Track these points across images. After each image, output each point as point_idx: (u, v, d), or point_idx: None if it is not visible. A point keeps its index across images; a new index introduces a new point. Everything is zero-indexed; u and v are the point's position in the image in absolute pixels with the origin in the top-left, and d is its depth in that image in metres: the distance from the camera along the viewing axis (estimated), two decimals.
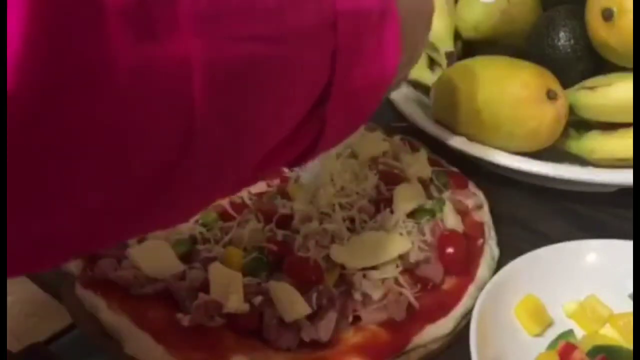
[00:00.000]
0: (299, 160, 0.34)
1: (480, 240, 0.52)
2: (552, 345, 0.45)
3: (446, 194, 0.55)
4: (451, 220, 0.52)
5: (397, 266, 0.48)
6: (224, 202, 0.51)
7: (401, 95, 0.70)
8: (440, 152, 0.62)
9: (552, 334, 0.46)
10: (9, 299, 0.47)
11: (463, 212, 0.54)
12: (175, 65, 0.21)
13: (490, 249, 0.52)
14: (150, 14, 0.20)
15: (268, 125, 0.28)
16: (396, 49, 0.34)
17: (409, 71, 0.45)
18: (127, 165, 0.22)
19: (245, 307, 0.43)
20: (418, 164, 0.57)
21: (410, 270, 0.48)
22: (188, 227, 0.49)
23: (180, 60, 0.21)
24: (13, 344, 0.44)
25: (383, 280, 0.47)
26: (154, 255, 0.46)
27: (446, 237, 0.50)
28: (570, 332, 0.45)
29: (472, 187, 0.58)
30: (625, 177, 0.56)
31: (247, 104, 0.26)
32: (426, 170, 0.57)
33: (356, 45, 0.31)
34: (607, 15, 0.54)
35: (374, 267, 0.48)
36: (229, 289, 0.44)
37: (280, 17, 0.26)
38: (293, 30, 0.27)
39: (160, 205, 0.25)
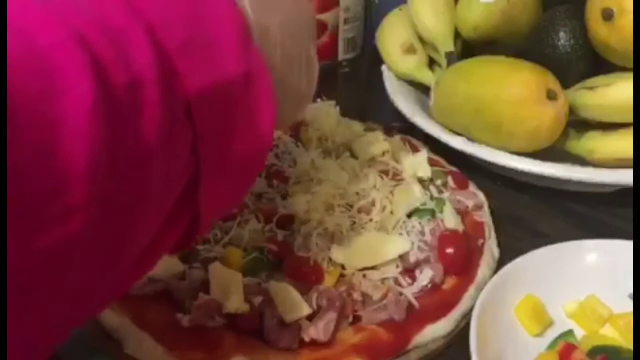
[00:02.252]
0: (181, 244, 0.31)
1: (480, 240, 0.52)
2: (552, 345, 0.45)
3: (446, 194, 0.55)
4: (451, 220, 0.52)
5: (397, 266, 0.48)
6: None
7: (401, 95, 0.70)
8: (440, 152, 0.62)
9: (552, 334, 0.46)
10: None
11: (463, 212, 0.55)
12: None
13: (490, 249, 0.52)
14: None
15: (115, 258, 0.25)
16: (270, 108, 0.31)
17: (300, 115, 0.41)
18: None
19: (245, 307, 0.43)
20: (418, 164, 0.57)
21: (410, 270, 0.48)
22: None
23: None
24: None
25: (383, 280, 0.47)
26: None
27: (446, 237, 0.50)
28: (570, 332, 0.45)
29: (472, 187, 0.58)
30: (625, 177, 0.56)
31: (72, 276, 0.23)
32: (426, 170, 0.57)
33: (220, 121, 0.28)
34: (607, 15, 0.54)
35: (374, 267, 0.48)
36: (229, 289, 0.44)
37: (108, 165, 0.22)
38: (129, 162, 0.23)
39: None
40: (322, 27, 0.85)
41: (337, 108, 0.64)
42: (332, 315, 0.44)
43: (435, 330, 0.45)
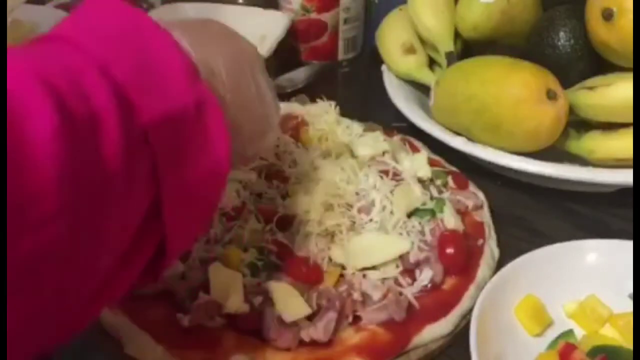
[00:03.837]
0: (151, 274, 0.33)
1: (480, 240, 0.52)
2: (552, 345, 0.45)
3: (446, 194, 0.55)
4: (451, 220, 0.52)
5: (397, 266, 0.48)
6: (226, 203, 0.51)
7: (401, 95, 0.70)
8: (440, 152, 0.62)
9: (552, 334, 0.46)
10: None
11: (463, 212, 0.55)
12: None
13: (490, 249, 0.52)
14: None
15: (74, 284, 0.27)
16: (223, 134, 0.33)
17: (269, 142, 0.44)
18: None
19: (245, 307, 0.43)
20: (418, 164, 0.57)
21: (410, 270, 0.48)
22: None
23: None
24: None
25: (383, 280, 0.47)
26: None
27: (446, 237, 0.50)
28: (570, 332, 0.45)
29: (472, 187, 0.58)
30: (625, 177, 0.56)
31: (47, 283, 0.26)
32: (426, 170, 0.57)
33: (176, 148, 0.31)
34: (607, 15, 0.54)
35: (374, 267, 0.48)
36: (229, 289, 0.44)
37: (75, 178, 0.25)
38: (94, 179, 0.26)
39: None
40: (322, 27, 0.85)
41: (337, 108, 0.64)
42: (332, 315, 0.44)
43: (435, 330, 0.45)
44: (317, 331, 0.43)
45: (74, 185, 0.25)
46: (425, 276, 0.48)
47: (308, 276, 0.46)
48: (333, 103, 0.64)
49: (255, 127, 0.40)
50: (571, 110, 0.58)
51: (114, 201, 0.28)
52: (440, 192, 0.56)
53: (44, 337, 0.28)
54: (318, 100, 0.65)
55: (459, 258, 0.49)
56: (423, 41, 0.72)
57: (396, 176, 0.55)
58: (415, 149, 0.62)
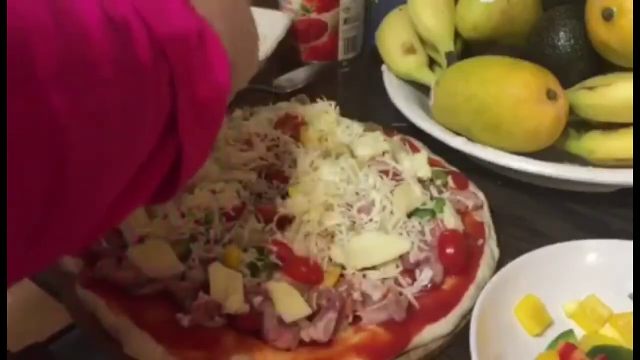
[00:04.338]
0: (166, 189, 0.36)
1: (480, 240, 0.52)
2: (552, 345, 0.45)
3: (446, 194, 0.55)
4: (451, 220, 0.52)
5: (397, 266, 0.48)
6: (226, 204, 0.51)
7: (401, 95, 0.70)
8: (440, 152, 0.62)
9: (552, 334, 0.46)
10: (9, 299, 0.47)
11: (463, 212, 0.55)
12: (41, 121, 0.24)
13: (490, 249, 0.52)
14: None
15: (119, 161, 0.31)
16: (223, 59, 0.37)
17: (249, 76, 0.47)
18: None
19: (245, 307, 0.43)
20: (418, 164, 0.58)
21: (410, 270, 0.48)
22: (188, 227, 0.49)
23: (47, 114, 0.24)
24: (13, 344, 0.44)
25: (383, 280, 0.47)
26: (154, 255, 0.46)
27: (446, 237, 0.50)
28: (570, 332, 0.45)
29: (472, 187, 0.58)
30: (625, 177, 0.56)
31: (104, 143, 0.29)
32: (426, 171, 0.57)
33: (187, 66, 0.34)
34: (607, 15, 0.54)
35: (374, 267, 0.48)
36: (229, 289, 0.44)
37: (120, 60, 0.29)
38: (133, 68, 0.30)
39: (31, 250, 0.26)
40: (322, 27, 0.85)
41: (337, 108, 0.64)
42: (332, 315, 0.44)
43: (435, 330, 0.45)
44: (317, 331, 0.43)
45: (122, 64, 0.29)
46: (425, 276, 0.48)
47: (308, 276, 0.46)
48: (333, 103, 0.64)
49: (244, 62, 0.44)
50: (571, 110, 0.58)
51: (148, 93, 0.31)
52: (440, 192, 0.56)
53: (77, 233, 0.30)
54: (318, 100, 0.65)
55: (459, 258, 0.49)
56: (423, 41, 0.72)
57: (396, 176, 0.55)
58: (415, 149, 0.62)
